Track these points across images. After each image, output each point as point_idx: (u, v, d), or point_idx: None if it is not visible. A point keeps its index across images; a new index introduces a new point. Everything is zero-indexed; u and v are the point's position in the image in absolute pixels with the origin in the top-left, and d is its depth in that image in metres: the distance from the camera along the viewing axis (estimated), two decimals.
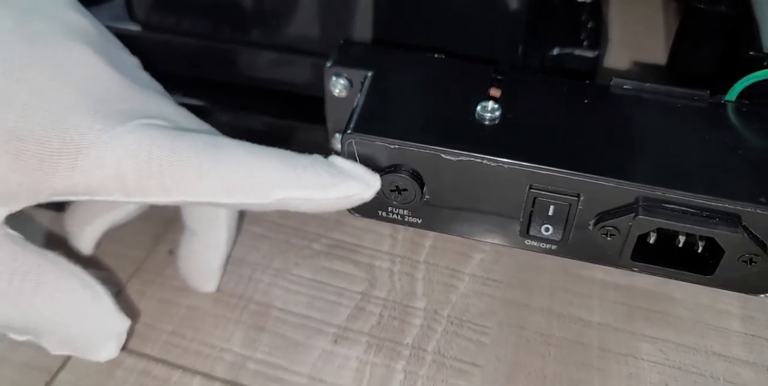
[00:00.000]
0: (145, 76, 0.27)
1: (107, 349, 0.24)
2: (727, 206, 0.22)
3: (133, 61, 0.27)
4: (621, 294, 0.30)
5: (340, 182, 0.23)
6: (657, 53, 0.37)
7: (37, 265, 0.22)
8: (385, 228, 0.32)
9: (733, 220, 0.22)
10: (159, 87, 0.27)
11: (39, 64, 0.22)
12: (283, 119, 0.32)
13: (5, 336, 0.26)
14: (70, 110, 0.22)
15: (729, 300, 0.30)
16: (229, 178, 0.22)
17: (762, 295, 0.25)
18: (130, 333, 0.26)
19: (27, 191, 0.22)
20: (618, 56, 0.38)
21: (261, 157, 0.23)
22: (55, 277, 0.23)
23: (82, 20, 0.26)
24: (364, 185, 0.23)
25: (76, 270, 0.24)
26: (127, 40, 0.34)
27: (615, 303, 0.30)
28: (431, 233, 0.32)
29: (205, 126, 0.27)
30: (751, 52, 0.28)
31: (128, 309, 0.28)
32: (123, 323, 0.24)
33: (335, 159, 0.24)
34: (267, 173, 0.22)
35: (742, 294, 0.29)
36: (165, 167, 0.22)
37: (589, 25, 0.34)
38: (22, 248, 0.23)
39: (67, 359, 0.27)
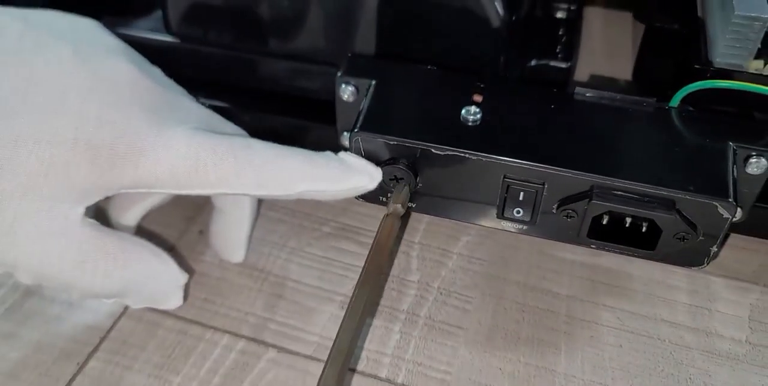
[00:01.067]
0: (172, 83, 0.31)
1: (176, 299, 0.31)
2: (663, 193, 0.27)
3: (157, 71, 0.31)
4: (587, 271, 0.35)
5: (349, 176, 0.29)
6: (624, 65, 0.41)
7: (119, 244, 0.28)
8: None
9: (668, 204, 0.27)
10: (183, 90, 0.31)
11: (99, 83, 0.27)
12: (298, 119, 0.37)
13: (59, 297, 0.31)
14: (131, 120, 0.27)
15: (678, 277, 0.35)
16: (261, 174, 0.27)
17: (696, 268, 0.30)
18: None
19: (100, 189, 0.27)
20: (590, 68, 0.42)
21: (285, 156, 0.28)
22: (133, 251, 0.28)
23: (114, 40, 0.30)
24: (369, 177, 0.29)
25: (145, 243, 0.29)
26: (163, 50, 0.39)
27: (581, 279, 0.34)
28: (425, 218, 0.37)
29: (233, 126, 0.32)
30: (697, 66, 0.33)
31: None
32: (184, 277, 0.30)
33: (345, 156, 0.29)
34: (291, 169, 0.28)
35: (690, 271, 0.34)
36: (209, 167, 0.27)
37: (563, 39, 0.39)
38: (104, 232, 0.28)
39: (117, 319, 0.32)
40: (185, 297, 0.31)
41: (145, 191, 0.28)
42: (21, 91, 0.25)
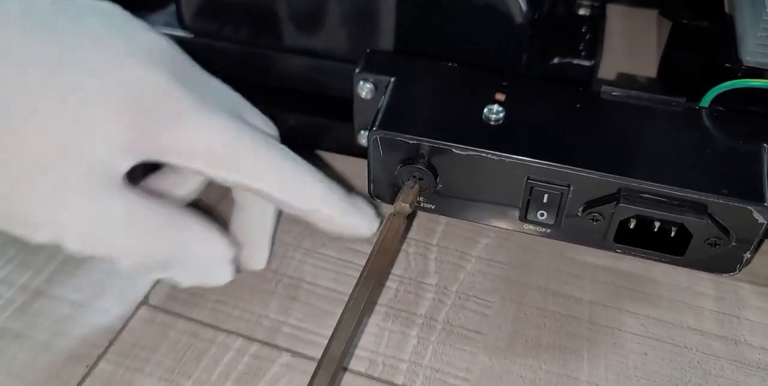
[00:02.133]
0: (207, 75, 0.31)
1: (224, 273, 0.30)
2: (695, 196, 0.26)
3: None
4: (610, 276, 0.34)
5: (359, 215, 0.30)
6: (649, 63, 0.40)
7: (167, 210, 0.27)
8: None
9: (700, 208, 0.26)
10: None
11: (137, 49, 0.27)
12: (314, 117, 0.37)
13: (66, 300, 0.31)
14: (171, 86, 0.26)
15: (704, 283, 0.33)
16: (287, 178, 0.28)
17: (726, 275, 0.29)
18: (182, 299, 0.30)
19: (138, 148, 0.26)
20: (613, 66, 0.41)
21: (313, 172, 0.29)
22: (181, 218, 0.27)
23: (141, 21, 0.30)
24: (370, 225, 0.31)
25: (193, 213, 0.28)
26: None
27: (604, 284, 0.33)
28: (443, 220, 0.36)
29: (264, 118, 0.31)
30: (727, 64, 0.32)
31: None
32: (233, 251, 0.29)
33: (359, 199, 0.31)
34: (314, 184, 0.29)
35: (716, 277, 0.33)
36: (247, 150, 0.27)
37: (587, 37, 0.38)
38: (150, 198, 0.27)
39: (127, 320, 0.31)
40: (235, 272, 0.30)
41: (177, 164, 0.27)
42: (68, 48, 0.25)
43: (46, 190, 0.24)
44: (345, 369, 0.29)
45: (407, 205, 0.28)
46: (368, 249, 0.34)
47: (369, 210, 0.31)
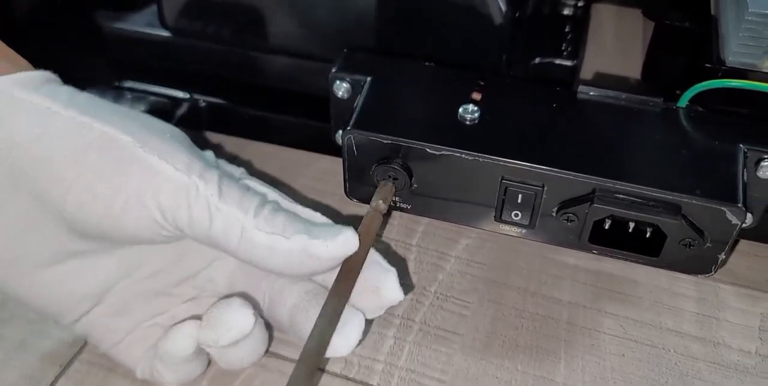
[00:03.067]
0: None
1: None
2: (669, 197, 0.26)
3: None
4: (590, 277, 0.34)
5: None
6: (634, 63, 0.40)
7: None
8: None
9: (674, 209, 0.26)
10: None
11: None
12: (293, 116, 0.36)
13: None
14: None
15: (685, 284, 0.33)
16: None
17: (702, 276, 0.28)
18: None
19: None
20: (598, 66, 0.41)
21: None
22: None
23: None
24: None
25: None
26: (158, 44, 0.38)
27: (584, 285, 0.33)
28: (423, 220, 0.36)
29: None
30: (708, 64, 0.32)
31: None
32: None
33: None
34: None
35: (697, 278, 0.33)
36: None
37: (570, 37, 0.38)
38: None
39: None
40: None
41: None
42: None
43: None
44: (321, 369, 0.29)
45: (381, 202, 0.28)
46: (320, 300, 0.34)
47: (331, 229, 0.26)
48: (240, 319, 0.26)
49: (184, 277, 0.29)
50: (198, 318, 0.28)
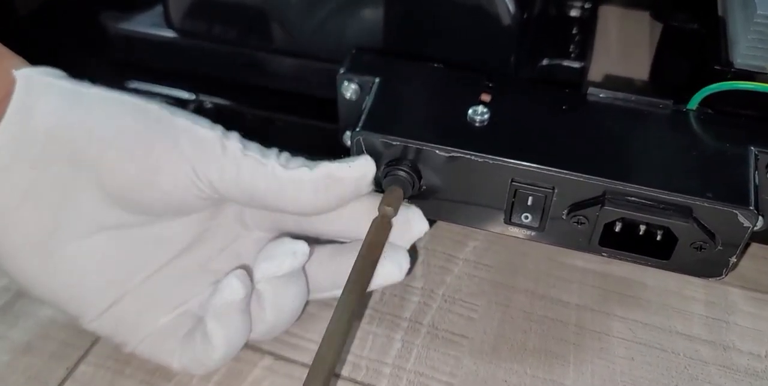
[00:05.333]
0: None
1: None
2: (680, 199, 0.26)
3: None
4: (598, 280, 0.33)
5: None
6: (641, 65, 0.40)
7: None
8: None
9: (685, 212, 0.26)
10: None
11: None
12: (300, 117, 0.36)
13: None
14: None
15: (694, 288, 0.33)
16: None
17: (713, 279, 0.28)
18: None
19: None
20: (605, 67, 0.41)
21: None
22: None
23: None
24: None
25: None
26: (164, 45, 0.38)
27: (593, 288, 0.33)
28: (430, 222, 0.35)
29: None
30: (717, 66, 0.32)
31: None
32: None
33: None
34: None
35: (706, 281, 0.33)
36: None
37: (577, 39, 0.38)
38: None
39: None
40: None
41: None
42: None
43: None
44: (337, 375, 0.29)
45: (390, 208, 0.28)
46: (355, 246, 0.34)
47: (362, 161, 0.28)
48: (297, 246, 0.28)
49: (209, 256, 0.30)
50: None
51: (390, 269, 0.28)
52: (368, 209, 0.28)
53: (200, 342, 0.27)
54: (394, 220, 0.28)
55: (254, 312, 0.28)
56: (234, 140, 0.27)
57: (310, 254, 0.28)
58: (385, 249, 0.28)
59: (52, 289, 0.27)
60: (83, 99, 0.26)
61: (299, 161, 0.27)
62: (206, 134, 0.26)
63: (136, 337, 0.28)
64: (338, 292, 0.27)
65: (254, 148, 0.27)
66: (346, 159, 0.28)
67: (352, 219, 0.29)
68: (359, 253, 0.26)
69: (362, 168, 0.27)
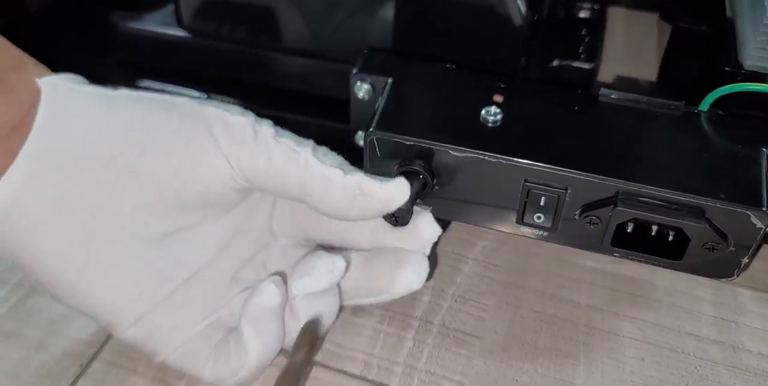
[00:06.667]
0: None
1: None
2: (692, 200, 0.26)
3: None
4: (608, 280, 0.34)
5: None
6: (649, 67, 0.40)
7: None
8: None
9: (697, 212, 0.26)
10: None
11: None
12: (311, 117, 0.36)
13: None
14: None
15: (704, 288, 0.33)
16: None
17: (725, 279, 0.28)
18: None
19: None
20: (614, 69, 0.41)
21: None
22: None
23: None
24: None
25: None
26: (175, 44, 0.38)
27: (602, 288, 0.33)
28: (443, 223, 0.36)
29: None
30: (727, 68, 0.32)
31: None
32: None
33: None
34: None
35: (715, 282, 0.33)
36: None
37: (587, 40, 0.38)
38: None
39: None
40: None
41: None
42: None
43: None
44: (342, 371, 0.29)
45: (300, 360, 0.26)
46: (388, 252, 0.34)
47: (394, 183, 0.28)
48: (335, 262, 0.28)
49: (237, 265, 0.29)
50: None
51: (409, 278, 0.28)
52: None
53: (234, 349, 0.27)
54: (406, 227, 0.28)
55: (288, 323, 0.28)
56: (267, 125, 0.27)
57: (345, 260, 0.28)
58: (403, 256, 0.28)
59: (87, 299, 0.26)
60: (113, 102, 0.26)
61: (336, 159, 0.27)
62: (238, 120, 0.26)
63: (168, 347, 0.27)
64: (374, 298, 0.28)
65: (288, 135, 0.27)
66: (383, 179, 0.27)
67: (376, 236, 0.29)
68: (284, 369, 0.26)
69: (392, 191, 0.27)
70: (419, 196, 0.29)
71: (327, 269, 0.27)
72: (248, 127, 0.26)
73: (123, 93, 0.27)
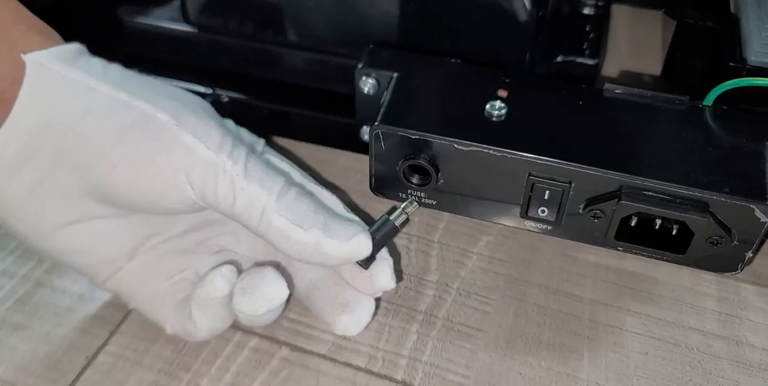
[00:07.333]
0: None
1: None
2: (696, 194, 0.26)
3: None
4: (611, 275, 0.34)
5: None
6: (653, 64, 0.40)
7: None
8: None
9: (701, 206, 0.26)
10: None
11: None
12: (317, 112, 0.36)
13: (67, 291, 0.31)
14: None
15: (707, 283, 0.33)
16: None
17: (728, 274, 0.28)
18: None
19: None
20: (618, 65, 0.41)
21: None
22: None
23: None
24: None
25: None
26: (181, 39, 0.38)
27: (606, 283, 0.33)
28: (444, 217, 0.36)
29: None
30: (732, 63, 0.32)
31: None
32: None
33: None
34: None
35: (719, 277, 0.33)
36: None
37: (591, 36, 0.38)
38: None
39: (128, 312, 0.31)
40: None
41: None
42: None
43: None
44: (348, 364, 0.29)
45: None
46: None
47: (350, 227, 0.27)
48: (276, 292, 0.27)
49: (209, 236, 0.30)
50: None
51: (348, 325, 0.28)
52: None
53: (187, 319, 0.28)
54: (367, 270, 0.28)
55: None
56: (238, 165, 0.26)
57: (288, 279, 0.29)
58: (350, 300, 0.29)
59: (63, 262, 0.28)
60: (94, 103, 0.25)
61: (302, 206, 0.26)
62: (209, 158, 0.25)
63: (137, 299, 0.29)
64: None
65: (257, 176, 0.26)
66: (345, 228, 0.26)
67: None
68: None
69: (353, 251, 0.26)
70: (386, 242, 0.28)
71: (267, 298, 0.27)
72: (218, 167, 0.25)
73: (108, 92, 0.25)
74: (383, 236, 0.28)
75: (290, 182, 0.27)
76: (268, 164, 0.27)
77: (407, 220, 0.29)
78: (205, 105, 0.28)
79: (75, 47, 0.27)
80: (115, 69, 0.27)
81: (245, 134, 0.30)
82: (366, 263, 0.28)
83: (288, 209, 0.26)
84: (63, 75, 0.25)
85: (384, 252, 0.29)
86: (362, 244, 0.27)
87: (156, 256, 0.29)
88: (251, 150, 0.27)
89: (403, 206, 0.29)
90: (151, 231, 0.29)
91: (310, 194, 0.28)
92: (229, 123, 0.29)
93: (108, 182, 0.26)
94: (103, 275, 0.28)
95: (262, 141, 0.31)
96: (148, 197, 0.26)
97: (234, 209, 0.26)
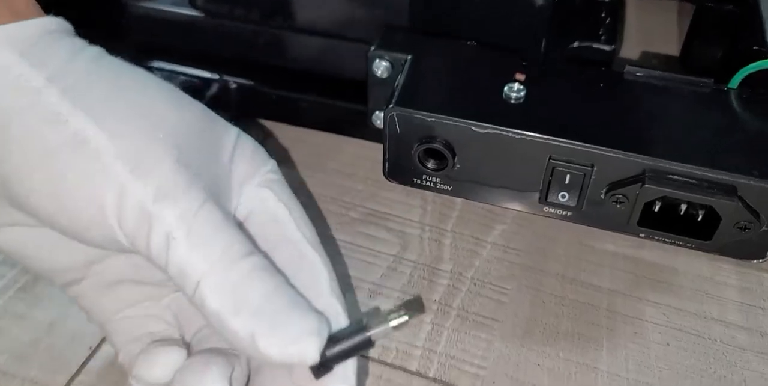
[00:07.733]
0: None
1: None
2: (724, 177, 0.25)
3: None
4: (630, 264, 0.33)
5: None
6: (670, 49, 0.39)
7: None
8: (415, 200, 0.35)
9: (729, 190, 0.25)
10: None
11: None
12: (326, 98, 0.36)
13: None
14: None
15: (727, 273, 0.32)
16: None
17: (755, 261, 0.27)
18: None
19: None
20: (633, 51, 0.40)
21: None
22: None
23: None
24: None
25: None
26: (186, 24, 0.37)
27: (624, 272, 0.32)
28: (458, 205, 0.35)
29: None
30: (754, 47, 0.31)
31: None
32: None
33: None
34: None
35: (739, 267, 0.32)
36: None
37: (607, 22, 0.37)
38: None
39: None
40: None
41: None
42: None
43: None
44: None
45: None
46: (383, 234, 0.33)
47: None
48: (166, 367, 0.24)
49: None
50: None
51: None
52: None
53: (137, 361, 0.25)
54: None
55: None
56: (181, 221, 0.20)
57: None
58: None
59: (18, 262, 0.26)
60: (26, 111, 0.21)
61: (252, 286, 0.21)
62: (145, 205, 0.20)
63: (92, 318, 0.27)
64: None
65: (202, 240, 0.21)
66: (297, 324, 0.21)
67: None
68: None
69: (295, 356, 0.21)
70: (353, 354, 0.22)
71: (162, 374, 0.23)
72: (154, 219, 0.20)
73: (47, 100, 0.21)
74: (351, 347, 0.22)
75: (247, 251, 0.21)
76: (227, 219, 0.21)
77: (391, 331, 0.23)
78: (186, 126, 0.23)
79: (42, 26, 0.22)
80: (81, 62, 0.22)
81: (251, 152, 0.25)
82: (317, 372, 0.22)
83: (229, 290, 0.20)
84: (11, 69, 0.21)
85: (349, 367, 0.23)
86: (309, 350, 0.21)
87: (114, 279, 0.25)
88: (215, 197, 0.22)
89: (390, 316, 0.23)
90: (105, 252, 0.24)
91: (274, 272, 0.22)
92: (238, 136, 0.25)
93: (26, 203, 0.22)
94: (58, 281, 0.26)
95: (271, 163, 0.26)
96: (72, 229, 0.22)
97: (167, 271, 0.21)
